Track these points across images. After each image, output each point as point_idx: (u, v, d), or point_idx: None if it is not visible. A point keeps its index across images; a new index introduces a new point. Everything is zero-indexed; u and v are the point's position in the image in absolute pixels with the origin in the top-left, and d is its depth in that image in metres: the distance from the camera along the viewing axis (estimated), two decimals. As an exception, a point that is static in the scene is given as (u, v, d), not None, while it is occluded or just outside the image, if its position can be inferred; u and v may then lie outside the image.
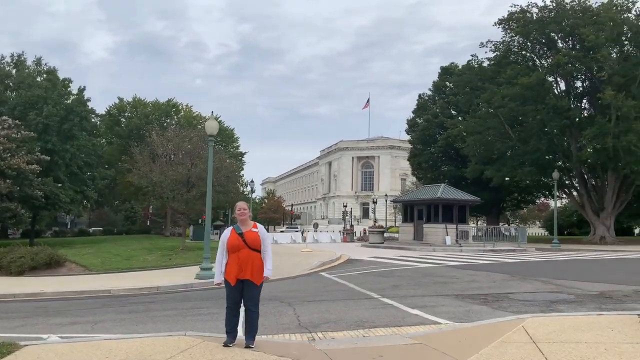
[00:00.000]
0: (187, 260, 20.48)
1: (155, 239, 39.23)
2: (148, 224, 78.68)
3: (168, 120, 52.86)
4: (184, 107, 55.45)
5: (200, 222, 78.16)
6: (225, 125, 53.22)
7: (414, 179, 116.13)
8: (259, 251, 6.26)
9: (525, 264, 20.04)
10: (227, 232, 6.43)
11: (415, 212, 33.02)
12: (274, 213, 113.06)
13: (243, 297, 6.21)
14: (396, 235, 40.51)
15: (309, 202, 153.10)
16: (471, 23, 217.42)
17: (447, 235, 29.44)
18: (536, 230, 76.96)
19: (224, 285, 6.34)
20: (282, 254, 24.87)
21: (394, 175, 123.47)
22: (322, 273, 17.78)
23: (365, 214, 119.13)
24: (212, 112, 16.39)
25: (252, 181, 30.01)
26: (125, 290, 14.47)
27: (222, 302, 12.14)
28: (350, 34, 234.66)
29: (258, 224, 6.54)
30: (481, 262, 20.60)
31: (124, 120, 53.81)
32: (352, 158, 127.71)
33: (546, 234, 63.58)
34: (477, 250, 26.95)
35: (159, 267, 18.77)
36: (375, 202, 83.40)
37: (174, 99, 54.57)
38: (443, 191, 30.83)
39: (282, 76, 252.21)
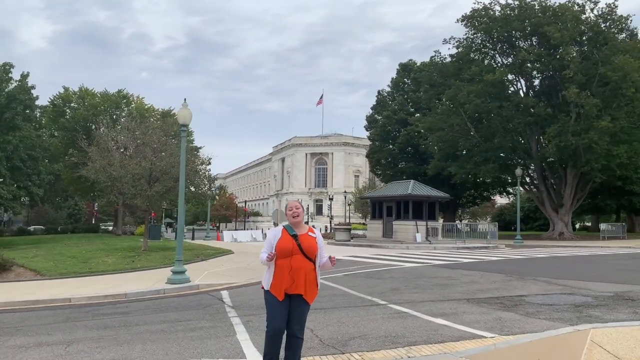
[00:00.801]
0: (152, 262, 18.73)
1: (107, 238, 36.65)
2: (93, 221, 74.67)
3: (118, 112, 49.77)
4: (136, 98, 52.45)
5: (150, 219, 75.16)
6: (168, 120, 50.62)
7: (368, 176, 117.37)
8: (314, 262, 5.05)
9: (510, 262, 19.58)
10: (276, 232, 5.18)
11: (384, 208, 32.32)
12: (225, 210, 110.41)
13: (289, 318, 4.95)
14: (361, 232, 39.79)
15: (262, 199, 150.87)
16: (419, 24, 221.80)
17: (418, 232, 28.90)
18: (485, 226, 79.00)
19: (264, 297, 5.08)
20: (251, 253, 23.46)
21: (348, 172, 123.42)
22: (304, 275, 16.56)
23: (318, 210, 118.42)
24: (185, 99, 14.75)
25: (215, 178, 28.21)
26: (87, 299, 12.73)
27: (209, 312, 10.81)
28: (300, 31, 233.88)
29: (314, 229, 5.34)
30: (465, 260, 19.99)
31: (69, 111, 50.18)
32: (306, 154, 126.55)
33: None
34: (450, 248, 26.50)
35: (121, 271, 16.93)
36: (331, 199, 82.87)
37: (125, 89, 51.47)
38: (413, 187, 30.27)
39: (232, 71, 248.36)
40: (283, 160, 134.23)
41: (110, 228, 62.87)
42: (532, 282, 13.19)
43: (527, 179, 42.59)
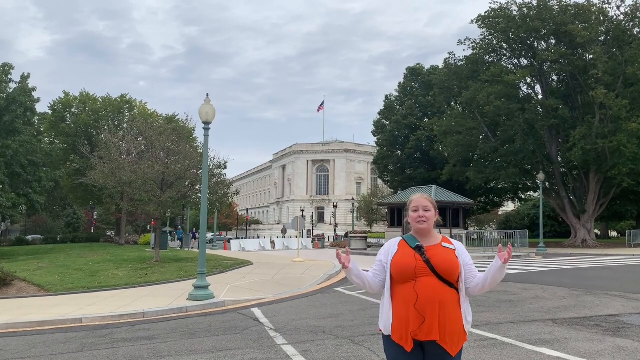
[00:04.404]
0: (167, 276, 17.07)
1: (111, 248, 34.86)
2: (92, 230, 72.84)
3: (120, 118, 48.22)
4: (138, 104, 50.82)
5: (149, 227, 73.35)
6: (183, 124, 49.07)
7: (370, 183, 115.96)
8: (455, 287, 3.23)
9: (559, 273, 17.95)
10: (391, 244, 3.45)
11: (404, 215, 30.52)
12: (226, 218, 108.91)
13: None
14: (374, 241, 38.17)
15: (262, 207, 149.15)
16: (415, 33, 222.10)
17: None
18: (487, 233, 77.38)
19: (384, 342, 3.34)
20: (272, 264, 21.83)
21: (350, 179, 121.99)
22: (338, 289, 14.95)
23: (320, 218, 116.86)
24: (207, 94, 13.21)
25: (231, 182, 26.53)
26: (101, 319, 11.12)
27: (250, 337, 9.08)
28: (297, 40, 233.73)
29: (452, 239, 3.49)
30: (511, 272, 18.45)
31: (69, 116, 48.54)
32: (307, 161, 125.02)
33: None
34: (480, 257, 24.85)
35: (134, 285, 15.28)
36: (335, 206, 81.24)
37: (128, 94, 49.93)
38: (436, 193, 28.71)
39: (229, 80, 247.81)
40: (284, 167, 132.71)
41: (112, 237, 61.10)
42: (607, 297, 11.62)
43: (547, 184, 41.12)
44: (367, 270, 3.46)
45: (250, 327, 9.56)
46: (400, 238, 3.46)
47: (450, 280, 3.19)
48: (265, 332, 9.04)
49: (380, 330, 3.34)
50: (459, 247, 3.39)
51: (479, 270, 3.36)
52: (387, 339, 3.27)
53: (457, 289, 3.22)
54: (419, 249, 3.25)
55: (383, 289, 3.37)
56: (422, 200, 3.40)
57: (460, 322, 3.19)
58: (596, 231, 73.54)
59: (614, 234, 78.09)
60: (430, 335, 3.10)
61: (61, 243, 51.60)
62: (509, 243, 3.38)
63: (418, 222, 3.34)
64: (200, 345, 8.09)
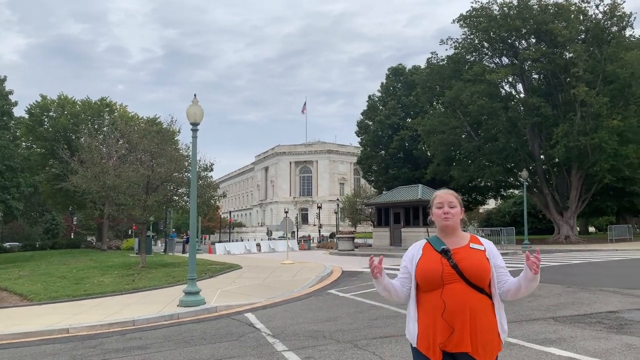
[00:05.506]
0: (155, 282, 16.65)
1: (93, 254, 34.07)
2: (72, 236, 71.39)
3: (100, 121, 47.30)
4: (119, 107, 49.90)
5: (130, 232, 72.09)
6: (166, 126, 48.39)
7: (353, 183, 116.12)
8: (487, 292, 2.95)
9: (550, 270, 17.89)
10: (415, 248, 3.18)
11: (391, 215, 30.63)
12: (209, 221, 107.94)
13: None
14: (361, 241, 38.06)
15: (245, 209, 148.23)
16: (394, 35, 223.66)
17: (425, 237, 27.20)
18: (472, 231, 77.99)
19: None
20: (262, 267, 21.52)
21: (333, 180, 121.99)
22: (331, 291, 14.73)
23: (304, 219, 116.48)
24: (195, 95, 12.90)
25: (217, 185, 26.11)
26: (89, 328, 10.73)
27: (248, 344, 8.76)
28: (277, 42, 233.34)
29: (482, 238, 3.19)
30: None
31: (47, 120, 47.43)
32: (290, 163, 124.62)
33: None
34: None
35: (122, 292, 14.84)
36: (320, 207, 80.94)
37: (108, 97, 48.91)
38: (423, 192, 28.69)
39: (210, 82, 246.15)
40: (266, 169, 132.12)
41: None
42: (603, 294, 11.63)
43: (530, 182, 41.51)
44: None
45: (246, 333, 9.29)
46: (425, 241, 3.19)
47: (481, 286, 2.92)
48: (263, 338, 8.78)
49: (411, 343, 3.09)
50: (490, 248, 3.09)
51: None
52: (414, 350, 3.03)
53: (489, 295, 2.95)
54: (445, 252, 2.97)
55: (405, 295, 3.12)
56: (447, 196, 3.15)
57: (495, 330, 2.92)
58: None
59: (592, 229, 79.35)
60: (461, 346, 2.85)
61: (40, 250, 50.40)
62: (537, 249, 3.11)
63: (444, 218, 3.07)
64: (198, 354, 7.80)
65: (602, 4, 34.09)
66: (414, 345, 3.02)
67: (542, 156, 37.92)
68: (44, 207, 68.61)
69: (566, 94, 34.91)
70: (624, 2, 33.55)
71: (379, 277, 3.07)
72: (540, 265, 2.91)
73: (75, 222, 74.15)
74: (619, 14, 33.75)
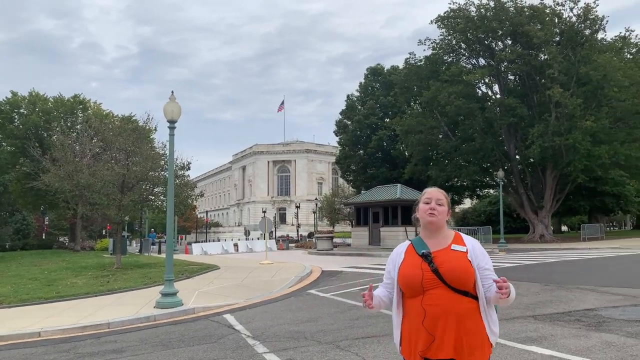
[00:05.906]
0: (130, 283, 16.27)
1: (66, 255, 33.22)
2: (44, 237, 69.67)
3: (73, 119, 46.20)
4: (93, 104, 48.81)
5: (104, 232, 70.70)
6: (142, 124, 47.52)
7: (331, 183, 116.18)
8: (473, 295, 2.80)
9: (526, 269, 18.10)
10: (399, 253, 3.06)
11: (370, 214, 30.65)
12: (185, 221, 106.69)
13: None
14: (339, 240, 38.04)
15: (222, 209, 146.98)
16: (372, 35, 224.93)
17: (408, 238, 27.32)
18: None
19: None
20: (240, 268, 21.27)
21: (311, 180, 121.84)
22: (311, 291, 14.61)
23: (282, 218, 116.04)
24: (172, 92, 12.63)
25: (195, 184, 25.74)
26: (61, 331, 10.40)
27: (228, 346, 8.55)
28: (255, 41, 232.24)
29: (464, 236, 3.02)
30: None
31: (18, 117, 46.14)
32: (268, 162, 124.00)
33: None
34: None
35: (96, 294, 14.45)
36: (298, 207, 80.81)
37: (82, 94, 47.80)
38: (402, 192, 28.78)
39: (185, 80, 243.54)
40: (244, 168, 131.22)
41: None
42: (579, 291, 11.79)
43: (505, 181, 42.11)
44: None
45: (226, 335, 9.10)
46: (409, 242, 3.06)
47: (464, 289, 2.76)
48: (243, 339, 8.61)
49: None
50: (473, 248, 2.89)
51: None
52: (401, 356, 2.96)
53: (475, 297, 2.80)
54: (425, 257, 2.82)
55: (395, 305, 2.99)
56: (436, 194, 3.01)
57: (483, 334, 2.78)
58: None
59: (565, 228, 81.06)
60: (440, 353, 2.73)
61: (10, 251, 49.05)
62: (502, 277, 2.94)
63: (429, 214, 2.92)
64: (176, 357, 7.60)
65: (576, 7, 34.82)
66: (398, 352, 2.95)
67: (517, 156, 38.49)
68: (13, 206, 66.68)
69: (541, 95, 35.51)
70: (597, 5, 34.32)
71: (372, 305, 3.01)
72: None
73: (47, 222, 72.45)
74: (592, 17, 34.48)
